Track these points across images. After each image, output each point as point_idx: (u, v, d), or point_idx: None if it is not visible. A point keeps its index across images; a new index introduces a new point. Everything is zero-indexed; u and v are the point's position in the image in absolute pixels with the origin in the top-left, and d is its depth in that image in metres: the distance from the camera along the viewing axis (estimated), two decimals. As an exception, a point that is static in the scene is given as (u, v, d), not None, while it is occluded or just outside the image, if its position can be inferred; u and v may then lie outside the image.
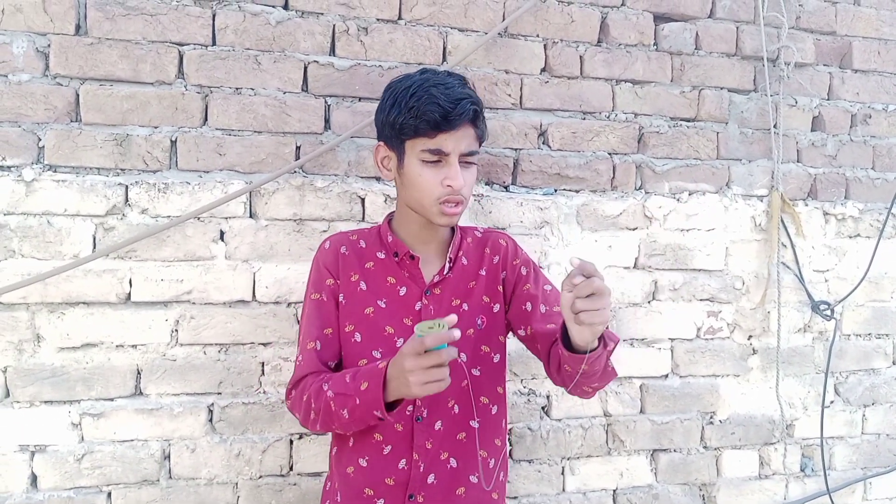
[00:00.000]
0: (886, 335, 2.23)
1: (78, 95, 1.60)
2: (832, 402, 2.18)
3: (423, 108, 1.29)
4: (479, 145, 1.40)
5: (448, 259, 1.46)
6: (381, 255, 1.46)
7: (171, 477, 1.70)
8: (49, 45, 1.58)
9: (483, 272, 1.49)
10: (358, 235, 1.50)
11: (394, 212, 1.52)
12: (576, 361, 1.26)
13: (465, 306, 1.46)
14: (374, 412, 1.25)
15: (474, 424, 1.46)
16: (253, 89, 1.70)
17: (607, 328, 1.27)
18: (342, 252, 1.46)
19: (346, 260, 1.45)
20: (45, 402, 1.62)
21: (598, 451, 1.98)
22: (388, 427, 1.40)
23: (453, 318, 1.15)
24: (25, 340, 1.60)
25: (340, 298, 1.44)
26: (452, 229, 1.52)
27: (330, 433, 1.52)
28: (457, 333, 1.13)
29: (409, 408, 1.41)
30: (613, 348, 1.32)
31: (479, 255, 1.51)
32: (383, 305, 1.43)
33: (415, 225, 1.45)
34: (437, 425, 1.42)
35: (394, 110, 1.34)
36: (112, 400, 1.65)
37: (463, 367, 1.43)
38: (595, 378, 1.33)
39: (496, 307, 1.50)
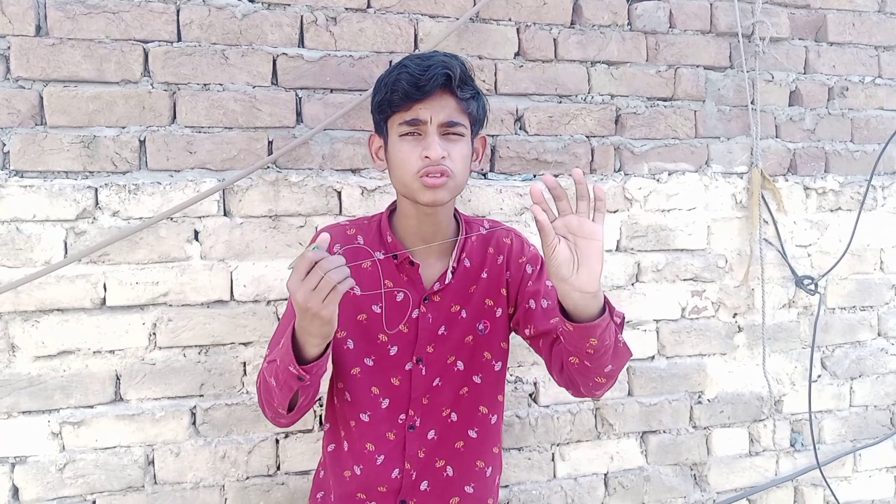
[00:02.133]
0: (871, 307, 2.23)
1: (42, 98, 1.57)
2: (819, 376, 2.19)
3: (396, 80, 1.25)
4: (470, 121, 1.31)
5: (451, 265, 1.38)
6: (380, 255, 1.36)
7: (156, 482, 1.67)
8: (9, 48, 1.54)
9: (485, 274, 1.41)
10: (356, 229, 1.42)
11: (396, 201, 1.43)
12: (581, 334, 1.14)
13: (464, 313, 1.40)
14: (290, 368, 1.15)
15: (472, 434, 1.43)
16: (221, 85, 1.66)
17: (609, 302, 1.18)
18: (335, 251, 1.36)
19: None
20: (23, 412, 1.59)
21: (587, 435, 1.97)
22: (381, 437, 1.37)
23: (324, 237, 1.07)
24: (0, 350, 1.57)
25: None
26: (458, 224, 1.42)
27: (323, 434, 1.49)
28: (321, 243, 1.05)
29: (402, 416, 1.38)
30: (622, 322, 1.22)
31: (482, 255, 1.43)
32: (378, 311, 1.37)
33: (413, 219, 1.35)
34: (431, 434, 1.39)
35: (377, 93, 1.31)
36: (92, 407, 1.63)
37: (461, 374, 1.40)
38: (606, 357, 1.19)
39: (499, 311, 1.43)
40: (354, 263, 1.30)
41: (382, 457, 1.37)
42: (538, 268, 1.45)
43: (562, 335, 1.22)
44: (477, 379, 1.42)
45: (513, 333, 1.47)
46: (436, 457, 1.40)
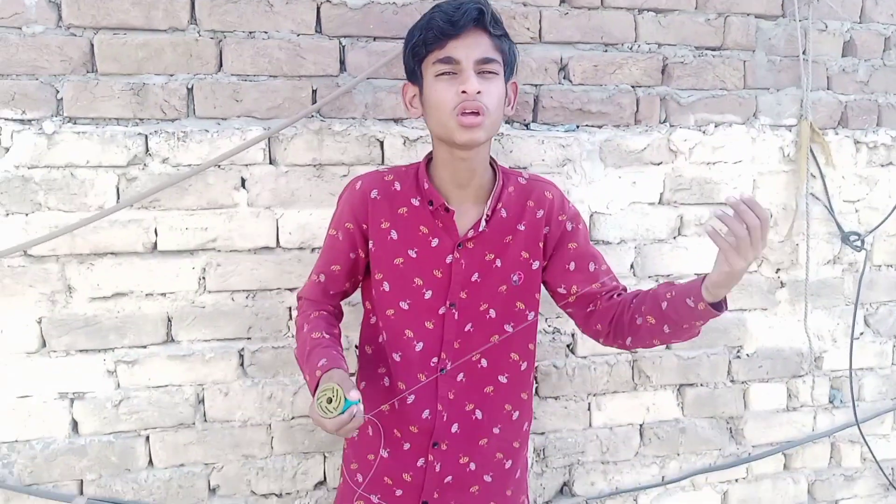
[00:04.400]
0: (919, 265, 2.19)
1: (92, 45, 1.59)
2: (861, 333, 2.16)
3: (430, 20, 1.28)
4: (504, 60, 1.33)
5: (486, 214, 1.40)
6: (416, 202, 1.40)
7: (206, 420, 1.75)
8: (61, -5, 1.57)
9: (522, 226, 1.43)
10: (394, 175, 1.44)
11: (433, 151, 1.45)
12: (704, 315, 1.25)
13: (498, 262, 1.42)
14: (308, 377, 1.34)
15: (503, 380, 1.46)
16: (266, 32, 1.67)
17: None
18: (372, 197, 1.41)
19: (376, 206, 1.41)
20: (81, 350, 1.66)
21: (623, 386, 1.99)
22: (412, 378, 1.42)
23: (355, 394, 1.18)
24: (57, 291, 1.63)
25: (370, 245, 1.42)
26: (495, 174, 1.44)
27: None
28: (354, 402, 1.17)
29: (434, 359, 1.42)
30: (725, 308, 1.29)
31: (521, 207, 1.44)
32: (413, 255, 1.41)
33: (449, 165, 1.38)
34: (460, 377, 1.43)
35: (410, 38, 1.33)
36: (145, 347, 1.69)
37: (493, 322, 1.43)
38: (690, 334, 1.34)
39: (535, 264, 1.45)
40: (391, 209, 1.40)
41: (413, 397, 1.42)
42: (578, 226, 1.48)
43: (674, 305, 1.30)
44: (508, 328, 1.45)
45: None
46: (465, 400, 1.44)
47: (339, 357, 1.33)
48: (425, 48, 1.29)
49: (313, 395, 1.26)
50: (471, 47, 1.28)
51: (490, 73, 1.30)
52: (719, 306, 1.25)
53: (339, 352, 1.36)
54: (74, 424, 1.68)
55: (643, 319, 1.35)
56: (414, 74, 1.35)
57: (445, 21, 1.26)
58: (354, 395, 1.17)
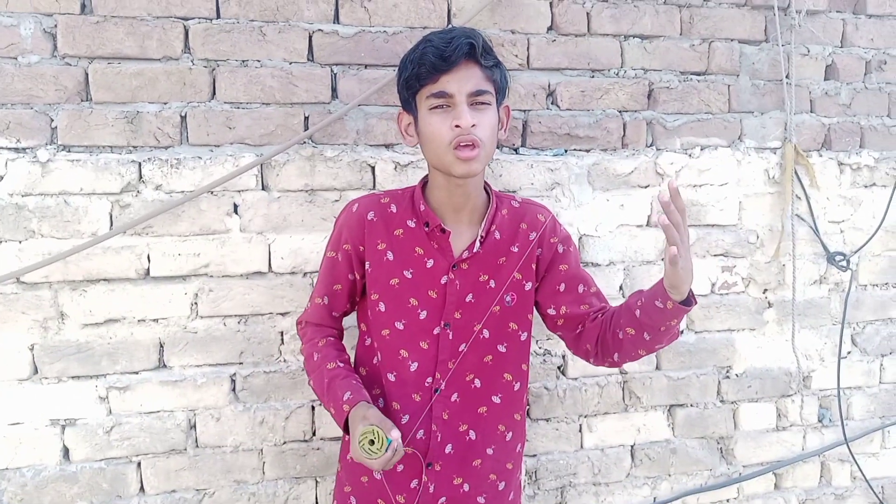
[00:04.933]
0: (904, 284, 2.22)
1: (87, 75, 1.61)
2: (849, 352, 2.18)
3: (422, 55, 1.30)
4: (495, 89, 1.35)
5: (480, 235, 1.43)
6: (412, 224, 1.44)
7: (197, 445, 1.74)
8: (56, 26, 1.59)
9: (516, 248, 1.46)
10: (390, 198, 1.47)
11: (428, 175, 1.48)
12: (674, 314, 1.29)
13: (492, 283, 1.45)
14: (332, 410, 1.40)
15: (496, 400, 1.48)
16: (259, 61, 1.70)
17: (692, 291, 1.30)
18: (369, 219, 1.44)
19: (372, 227, 1.44)
20: (73, 377, 1.66)
21: (614, 408, 2.00)
22: (407, 398, 1.44)
23: (396, 433, 1.26)
24: (50, 318, 1.64)
25: (366, 266, 1.45)
26: (489, 197, 1.48)
27: None
28: (395, 445, 1.24)
29: (429, 379, 1.43)
30: (693, 304, 1.33)
31: (514, 229, 1.47)
32: (409, 276, 1.43)
33: (444, 190, 1.41)
34: (454, 397, 1.45)
35: (403, 70, 1.35)
36: (137, 373, 1.70)
37: (487, 342, 1.45)
38: (667, 336, 1.36)
39: (528, 285, 1.48)
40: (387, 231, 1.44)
41: (408, 416, 1.43)
42: (569, 248, 1.51)
43: (646, 311, 1.33)
44: (502, 348, 1.47)
45: None
46: (459, 421, 1.45)
47: (359, 387, 1.38)
48: (418, 82, 1.32)
49: (342, 429, 1.35)
50: (463, 81, 1.30)
51: (483, 103, 1.32)
52: (688, 301, 1.28)
53: (358, 380, 1.41)
54: (66, 451, 1.68)
55: (623, 332, 1.38)
56: (408, 104, 1.38)
57: (437, 56, 1.28)
58: (395, 434, 1.25)
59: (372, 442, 1.23)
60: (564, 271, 1.49)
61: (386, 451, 1.22)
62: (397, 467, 1.42)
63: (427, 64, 1.29)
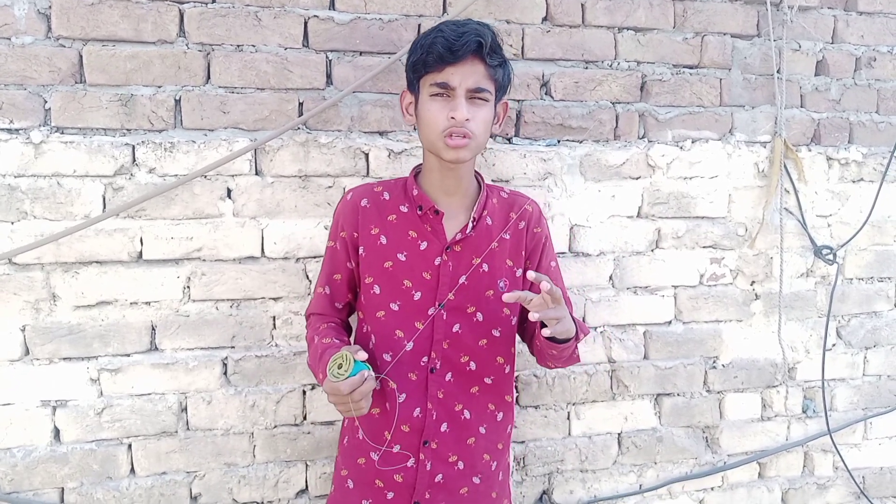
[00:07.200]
0: (888, 278, 2.25)
1: (81, 56, 1.61)
2: (834, 344, 2.22)
3: (432, 43, 1.35)
4: (496, 87, 1.41)
5: (472, 217, 1.48)
6: (405, 209, 1.49)
7: (188, 428, 1.75)
8: (50, 7, 1.58)
9: (507, 235, 1.52)
10: (383, 187, 1.53)
11: (421, 164, 1.54)
12: (550, 348, 1.43)
13: (485, 266, 1.49)
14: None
15: (488, 381, 1.52)
16: (254, 46, 1.70)
17: (581, 321, 1.42)
18: (362, 205, 1.49)
19: (365, 213, 1.49)
20: (64, 358, 1.67)
21: (602, 396, 2.03)
22: (404, 377, 1.46)
23: (362, 354, 1.30)
24: (42, 300, 1.64)
25: (361, 251, 1.49)
26: (479, 185, 1.53)
27: None
28: (364, 365, 1.28)
29: (424, 359, 1.47)
30: (582, 338, 1.50)
31: (505, 217, 1.53)
32: (403, 259, 1.47)
33: (437, 173, 1.47)
34: (448, 377, 1.48)
35: (412, 53, 1.40)
36: (128, 356, 1.70)
37: (480, 325, 1.49)
38: (562, 361, 1.50)
39: (518, 272, 1.54)
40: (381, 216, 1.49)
41: (404, 395, 1.45)
42: (548, 243, 1.60)
43: (543, 347, 1.46)
44: (496, 332, 1.51)
45: None
46: (454, 400, 1.49)
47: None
48: (424, 69, 1.37)
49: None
50: (465, 75, 1.35)
51: (481, 99, 1.38)
52: (576, 336, 1.43)
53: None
54: (56, 432, 1.69)
55: (534, 347, 1.53)
56: (412, 85, 1.44)
57: (445, 48, 1.33)
58: (362, 355, 1.29)
59: (340, 366, 1.25)
60: (540, 263, 1.57)
61: (354, 375, 1.24)
62: (393, 447, 1.44)
63: (435, 53, 1.34)
